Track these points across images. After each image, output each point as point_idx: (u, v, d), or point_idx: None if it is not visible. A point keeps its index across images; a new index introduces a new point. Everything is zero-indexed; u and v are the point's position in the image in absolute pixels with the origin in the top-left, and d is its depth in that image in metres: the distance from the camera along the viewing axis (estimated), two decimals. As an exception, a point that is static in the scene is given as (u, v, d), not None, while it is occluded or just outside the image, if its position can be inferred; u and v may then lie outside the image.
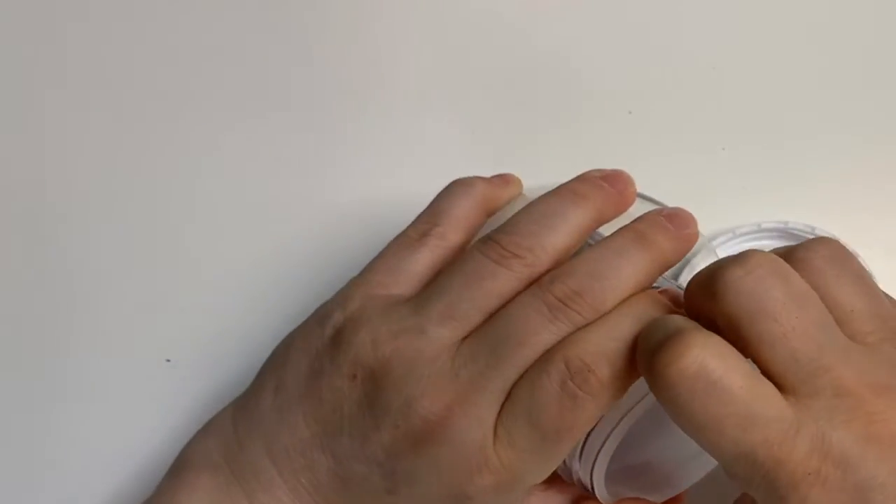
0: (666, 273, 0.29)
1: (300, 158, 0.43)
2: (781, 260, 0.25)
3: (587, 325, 0.27)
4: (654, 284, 0.29)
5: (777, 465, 0.23)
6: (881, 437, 0.23)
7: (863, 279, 0.27)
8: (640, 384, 0.26)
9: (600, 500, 0.30)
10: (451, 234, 0.31)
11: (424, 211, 0.32)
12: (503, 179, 0.34)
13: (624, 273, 0.28)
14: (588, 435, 0.29)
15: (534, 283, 0.28)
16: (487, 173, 0.34)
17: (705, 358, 0.23)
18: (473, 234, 0.32)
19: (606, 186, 0.31)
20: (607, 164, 0.31)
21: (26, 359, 0.41)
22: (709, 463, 0.31)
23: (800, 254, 0.27)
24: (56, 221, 0.42)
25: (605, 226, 0.31)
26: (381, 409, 0.28)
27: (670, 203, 0.32)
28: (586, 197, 0.30)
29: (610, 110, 0.43)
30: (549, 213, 0.30)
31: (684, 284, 0.29)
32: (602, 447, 0.28)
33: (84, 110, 0.44)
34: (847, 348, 0.25)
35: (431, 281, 0.30)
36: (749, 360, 0.24)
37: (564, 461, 0.30)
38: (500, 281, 0.28)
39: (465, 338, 0.28)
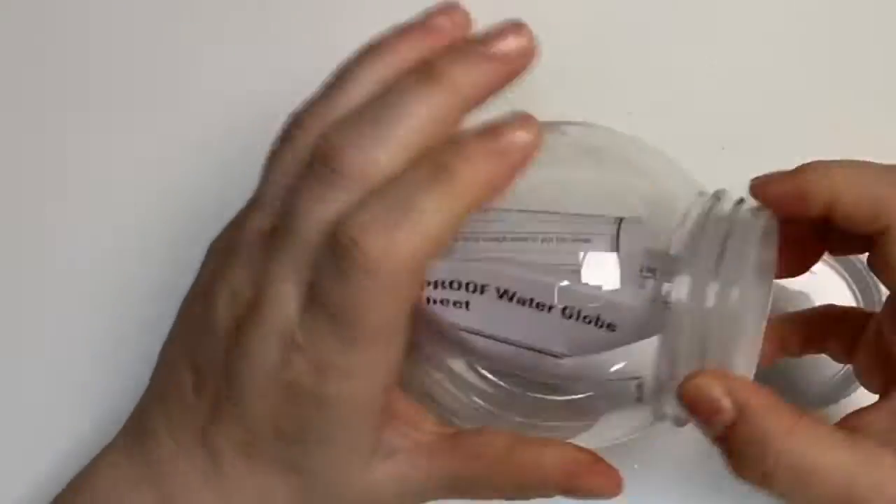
0: None
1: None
2: None
3: (368, 192, 0.26)
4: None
5: None
6: None
7: None
8: None
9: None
10: None
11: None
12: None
13: (403, 125, 0.26)
14: None
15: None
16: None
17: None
18: None
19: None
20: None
21: (25, 359, 0.41)
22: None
23: None
24: (55, 218, 0.42)
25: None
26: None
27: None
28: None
29: (610, 111, 0.43)
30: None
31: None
32: None
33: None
34: None
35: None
36: None
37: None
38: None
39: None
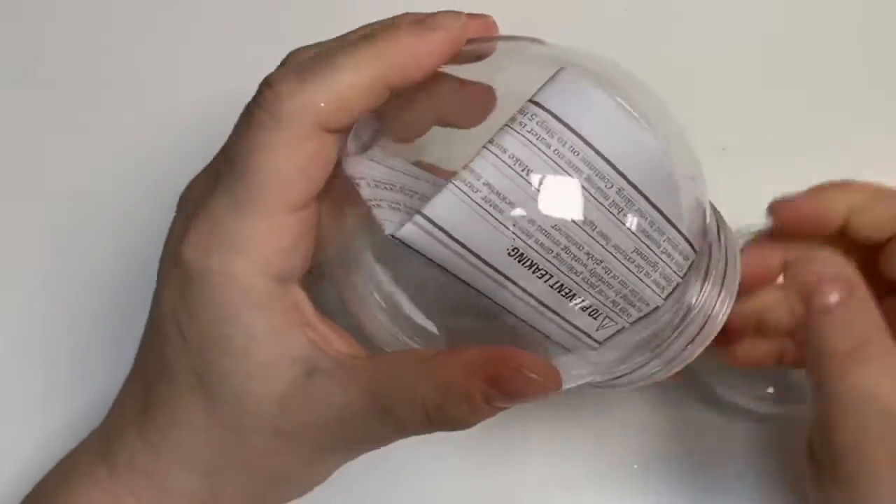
0: None
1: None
2: None
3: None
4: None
5: None
6: None
7: None
8: None
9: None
10: None
11: None
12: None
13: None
14: None
15: None
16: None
17: None
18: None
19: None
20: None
21: (28, 358, 0.41)
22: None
23: None
24: (53, 221, 0.43)
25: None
26: None
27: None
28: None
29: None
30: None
31: None
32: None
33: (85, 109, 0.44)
34: None
35: None
36: None
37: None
38: None
39: None
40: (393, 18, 0.28)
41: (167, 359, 0.28)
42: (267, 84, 0.26)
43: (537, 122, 0.24)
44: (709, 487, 0.36)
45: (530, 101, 0.25)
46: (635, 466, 0.38)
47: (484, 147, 0.24)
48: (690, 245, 0.27)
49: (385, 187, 0.26)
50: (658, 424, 0.38)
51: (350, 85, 0.26)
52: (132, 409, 0.30)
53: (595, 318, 0.26)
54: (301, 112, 0.26)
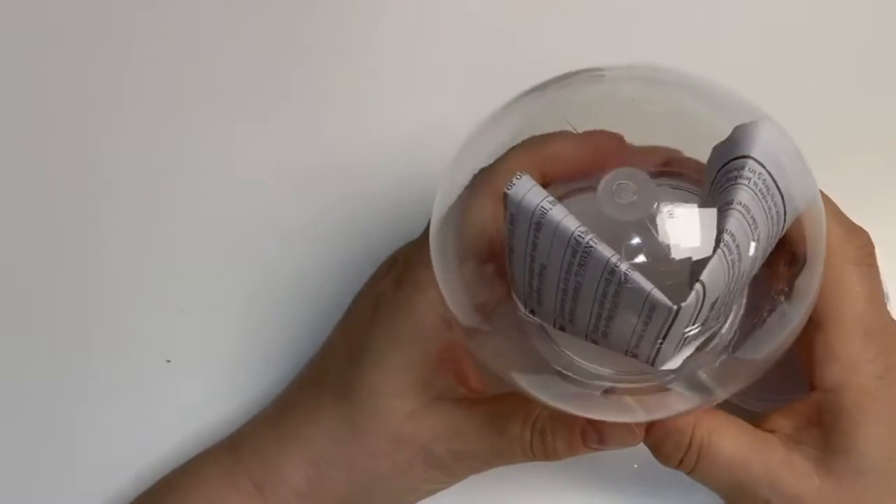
0: None
1: (299, 155, 0.43)
2: None
3: None
4: None
5: None
6: None
7: None
8: None
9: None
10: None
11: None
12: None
13: None
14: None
15: None
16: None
17: None
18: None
19: None
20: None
21: (27, 359, 0.41)
22: None
23: None
24: (57, 221, 0.43)
25: None
26: None
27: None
28: None
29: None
30: None
31: None
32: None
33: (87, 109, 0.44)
34: None
35: None
36: None
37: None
38: None
39: None
40: None
41: (326, 370, 0.34)
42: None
43: (759, 177, 0.25)
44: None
45: (749, 157, 0.25)
46: (635, 466, 0.38)
47: (733, 209, 0.25)
48: None
49: None
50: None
51: None
52: (272, 408, 0.36)
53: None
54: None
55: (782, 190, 0.26)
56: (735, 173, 0.25)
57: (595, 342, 0.27)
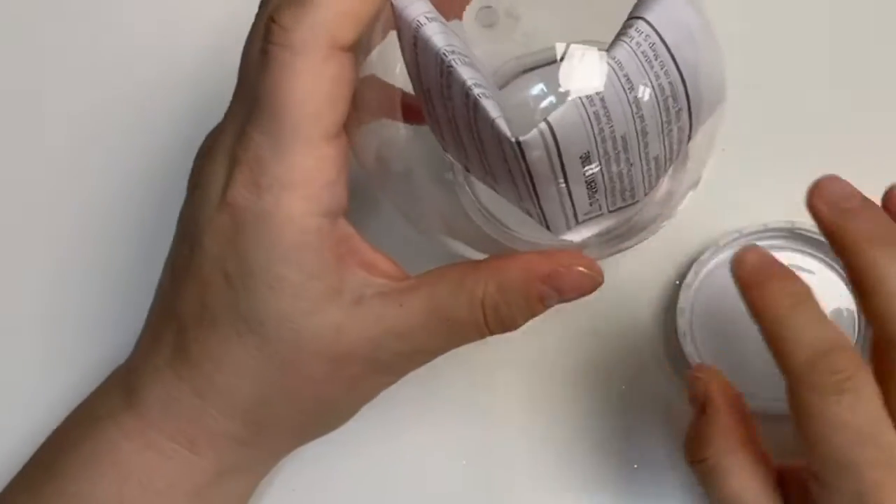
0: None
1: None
2: None
3: None
4: None
5: None
6: None
7: None
8: None
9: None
10: None
11: None
12: None
13: None
14: None
15: None
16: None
17: None
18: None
19: None
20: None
21: (28, 359, 0.41)
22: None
23: None
24: (70, 221, 0.42)
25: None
26: None
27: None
28: None
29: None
30: None
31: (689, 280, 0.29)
32: None
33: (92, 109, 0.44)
34: None
35: None
36: None
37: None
38: None
39: None
40: None
41: (208, 305, 0.28)
42: (271, 19, 0.26)
43: (645, 39, 0.25)
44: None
45: (640, 18, 0.25)
46: (635, 466, 0.38)
47: (606, 62, 0.24)
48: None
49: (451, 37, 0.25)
50: (658, 425, 0.38)
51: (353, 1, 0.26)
52: (162, 357, 0.30)
53: (591, 204, 0.27)
54: (312, 36, 0.26)
55: (678, 60, 0.25)
56: (622, 31, 0.25)
57: (494, 189, 0.26)
